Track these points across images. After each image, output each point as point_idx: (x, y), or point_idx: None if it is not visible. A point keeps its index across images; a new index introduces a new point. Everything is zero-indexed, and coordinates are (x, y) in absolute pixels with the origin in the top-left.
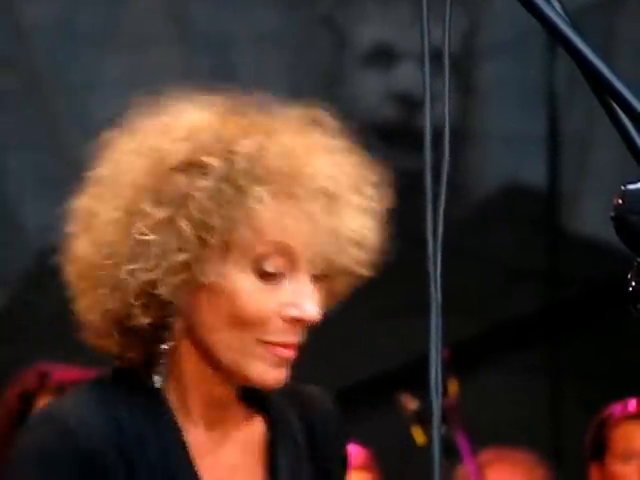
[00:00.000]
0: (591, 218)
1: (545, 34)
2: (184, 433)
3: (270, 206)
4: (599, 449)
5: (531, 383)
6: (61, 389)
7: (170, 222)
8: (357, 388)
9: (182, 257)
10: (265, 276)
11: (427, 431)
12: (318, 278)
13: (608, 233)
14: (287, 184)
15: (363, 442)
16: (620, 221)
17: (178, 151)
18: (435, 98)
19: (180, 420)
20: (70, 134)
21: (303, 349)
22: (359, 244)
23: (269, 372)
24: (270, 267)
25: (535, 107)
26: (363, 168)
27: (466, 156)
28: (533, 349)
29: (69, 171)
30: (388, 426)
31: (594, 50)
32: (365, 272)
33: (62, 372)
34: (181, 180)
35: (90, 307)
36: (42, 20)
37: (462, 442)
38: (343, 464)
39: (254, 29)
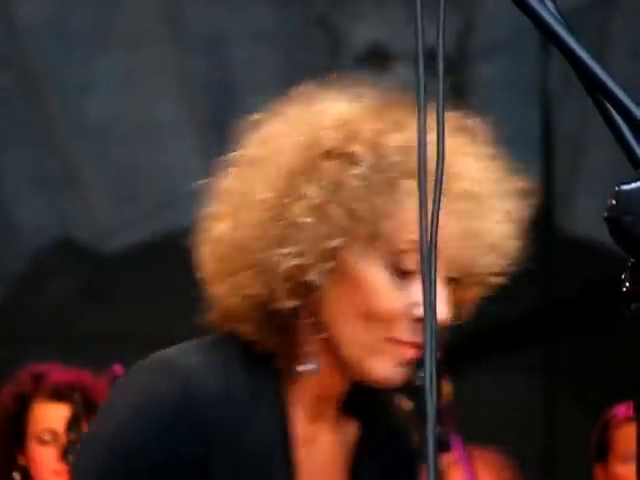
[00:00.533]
0: (585, 218)
1: (539, 34)
2: (289, 422)
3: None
4: (602, 450)
5: (525, 384)
6: (57, 391)
7: (323, 207)
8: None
9: (333, 244)
10: (400, 273)
11: (421, 432)
12: (451, 281)
13: (602, 233)
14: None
15: None
16: (614, 222)
17: (330, 138)
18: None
19: (288, 408)
20: (64, 133)
21: None
22: (498, 251)
23: (390, 370)
24: (408, 264)
25: (529, 107)
26: (507, 176)
27: None
28: (527, 349)
29: (64, 170)
30: None
31: (588, 50)
32: (499, 280)
33: (57, 374)
34: (334, 167)
35: (230, 291)
36: (36, 20)
37: (456, 443)
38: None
39: (248, 28)
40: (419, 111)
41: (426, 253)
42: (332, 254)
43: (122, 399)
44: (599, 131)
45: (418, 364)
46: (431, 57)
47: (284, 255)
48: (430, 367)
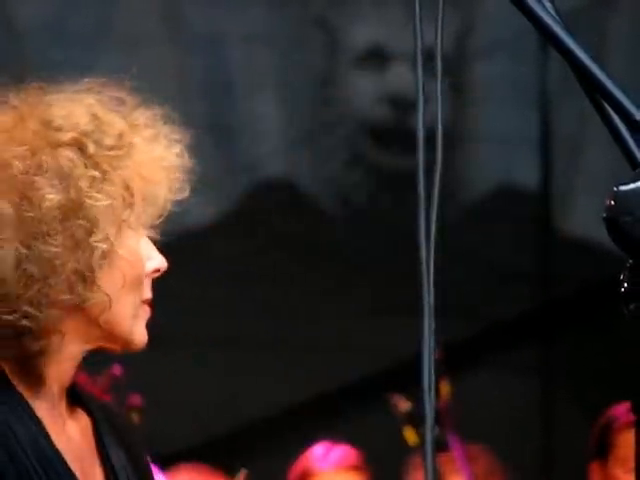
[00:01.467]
0: (583, 219)
1: (537, 35)
2: (41, 419)
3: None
4: (602, 451)
5: (523, 383)
6: None
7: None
8: (349, 389)
9: (110, 231)
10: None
11: (419, 432)
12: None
13: (600, 234)
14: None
15: (355, 443)
16: (612, 222)
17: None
18: (428, 99)
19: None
20: None
21: (296, 349)
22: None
23: (144, 331)
24: (135, 223)
25: (528, 108)
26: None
27: (459, 157)
28: (525, 349)
29: None
30: (380, 427)
31: (586, 50)
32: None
33: None
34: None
35: None
36: (35, 20)
37: (454, 443)
38: (144, 445)
39: (247, 29)
40: (418, 110)
41: (423, 253)
42: (121, 229)
43: None
44: (597, 132)
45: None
46: (430, 57)
47: (95, 241)
48: (428, 367)
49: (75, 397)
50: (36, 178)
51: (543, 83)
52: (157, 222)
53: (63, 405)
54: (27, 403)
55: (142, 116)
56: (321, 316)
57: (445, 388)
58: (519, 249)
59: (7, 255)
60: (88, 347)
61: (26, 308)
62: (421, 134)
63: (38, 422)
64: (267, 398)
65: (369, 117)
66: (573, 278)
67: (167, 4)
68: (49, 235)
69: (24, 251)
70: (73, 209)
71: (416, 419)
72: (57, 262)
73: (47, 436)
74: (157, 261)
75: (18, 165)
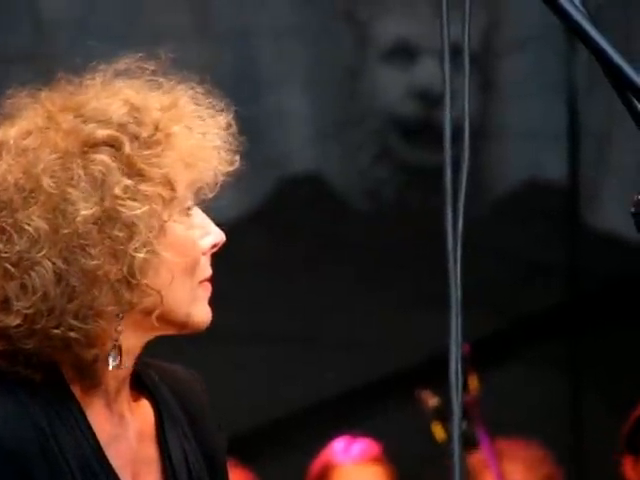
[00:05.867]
0: (611, 213)
1: (565, 30)
2: (92, 424)
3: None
4: (634, 445)
5: (551, 378)
6: None
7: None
8: (377, 384)
9: (164, 217)
10: (185, 213)
11: (447, 427)
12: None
13: (628, 229)
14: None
15: (383, 437)
16: None
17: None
18: (455, 94)
19: (86, 410)
20: None
21: (324, 344)
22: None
23: (208, 311)
24: (187, 202)
25: (555, 102)
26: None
27: (486, 152)
28: (553, 344)
29: None
30: (408, 422)
31: (613, 45)
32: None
33: None
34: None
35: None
36: (62, 14)
37: (482, 438)
38: (223, 442)
39: (274, 23)
40: (445, 105)
41: (451, 247)
42: (162, 227)
43: None
44: (625, 126)
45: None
46: (457, 52)
47: (136, 248)
48: (456, 362)
49: (141, 385)
50: (69, 190)
51: (571, 77)
52: (209, 196)
53: (123, 398)
54: (80, 408)
55: (183, 95)
56: (349, 311)
57: (473, 383)
58: (547, 243)
59: (47, 271)
60: (147, 338)
61: (72, 321)
62: (448, 129)
63: (88, 430)
64: (295, 393)
65: (397, 112)
66: (601, 272)
67: None
68: (87, 247)
69: (63, 266)
70: (108, 219)
71: (444, 414)
72: (98, 273)
73: (95, 446)
74: (213, 236)
75: (49, 181)
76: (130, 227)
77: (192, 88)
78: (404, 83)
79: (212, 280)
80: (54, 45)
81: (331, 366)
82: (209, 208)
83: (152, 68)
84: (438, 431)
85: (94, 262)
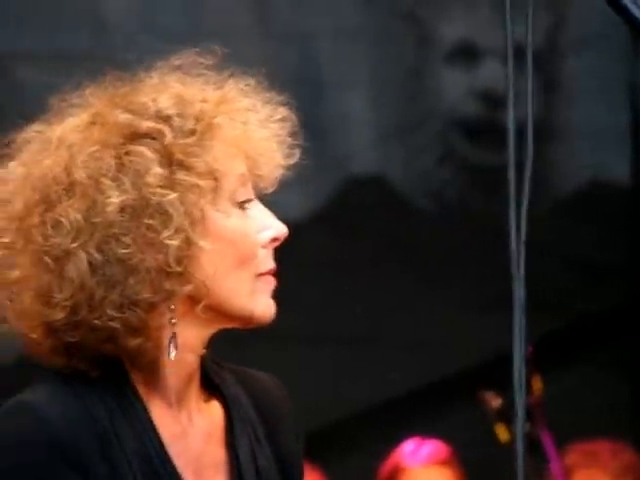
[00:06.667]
0: None
1: (628, 29)
2: (155, 421)
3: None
4: None
5: (615, 379)
6: None
7: (173, 179)
8: (441, 385)
9: (201, 205)
10: (239, 206)
11: (511, 428)
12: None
13: None
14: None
15: (446, 439)
16: None
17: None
18: (518, 95)
19: (149, 408)
20: None
21: (388, 345)
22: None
23: (269, 304)
24: (241, 196)
25: (619, 102)
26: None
27: (550, 152)
28: (617, 345)
29: None
30: (472, 423)
31: None
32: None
33: None
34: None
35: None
36: (124, 14)
37: (546, 439)
38: (299, 447)
39: (336, 23)
40: (508, 106)
41: (514, 247)
42: (202, 217)
43: None
44: None
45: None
46: (520, 52)
47: (169, 236)
48: (519, 363)
49: (213, 386)
50: (101, 180)
51: (635, 76)
52: (269, 190)
53: (190, 397)
54: (143, 405)
55: (233, 88)
56: (412, 312)
57: (537, 384)
58: (610, 244)
59: (82, 261)
60: (206, 333)
61: (110, 311)
62: (512, 129)
63: (151, 427)
64: (361, 394)
65: (460, 113)
66: None
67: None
68: (120, 236)
69: (98, 256)
70: (140, 207)
71: (508, 415)
72: (133, 262)
73: (157, 443)
74: (273, 230)
75: (82, 173)
76: (162, 214)
77: (245, 82)
78: (467, 84)
79: (277, 280)
80: (114, 44)
81: (395, 367)
82: (272, 206)
83: (207, 63)
84: (502, 432)
85: (128, 251)
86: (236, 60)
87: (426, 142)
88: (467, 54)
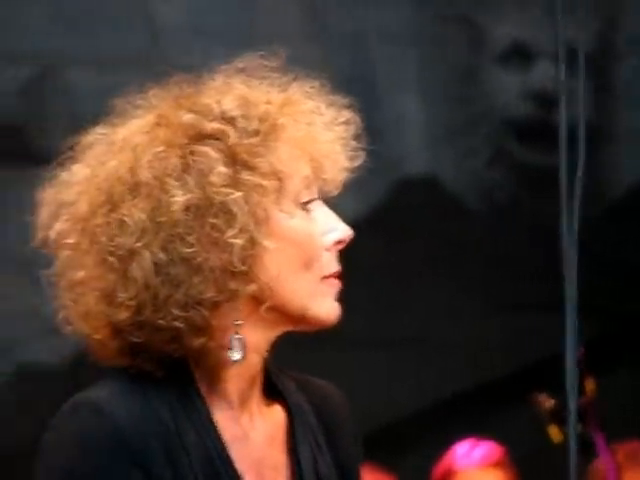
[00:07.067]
0: None
1: None
2: (217, 423)
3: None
4: None
5: None
6: None
7: (238, 179)
8: (493, 386)
9: (264, 205)
10: (302, 207)
11: (563, 430)
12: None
13: None
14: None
15: (499, 440)
16: None
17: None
18: (571, 96)
19: (212, 409)
20: None
21: (440, 346)
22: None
23: (334, 307)
24: (305, 196)
25: None
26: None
27: (602, 153)
28: None
29: None
30: (524, 425)
31: None
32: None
33: None
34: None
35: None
36: (175, 19)
37: (599, 441)
38: (359, 455)
39: (389, 26)
40: (561, 108)
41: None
42: (266, 217)
43: (57, 453)
44: None
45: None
46: (572, 54)
47: (233, 235)
48: (571, 365)
49: (275, 392)
50: (165, 180)
51: None
52: (334, 193)
53: (252, 400)
54: (206, 406)
55: (297, 90)
56: (464, 313)
57: (590, 386)
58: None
59: (147, 261)
60: (270, 335)
61: (175, 310)
62: (563, 132)
63: (213, 428)
64: (411, 396)
65: (512, 114)
66: None
67: (308, 2)
68: (184, 235)
69: (162, 255)
70: (204, 206)
71: (560, 417)
72: (197, 261)
73: (220, 445)
74: (338, 233)
75: (147, 173)
76: (226, 214)
77: (310, 85)
78: (519, 85)
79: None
80: (168, 48)
81: (447, 368)
82: (332, 207)
83: (271, 66)
84: (554, 433)
85: (192, 250)
86: (290, 63)
87: (478, 143)
88: (519, 55)
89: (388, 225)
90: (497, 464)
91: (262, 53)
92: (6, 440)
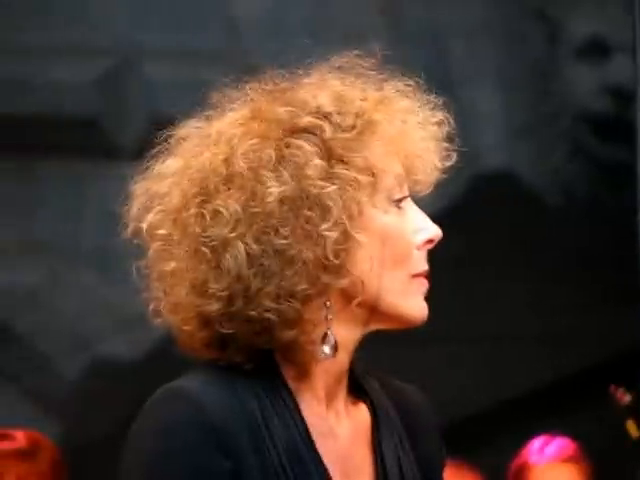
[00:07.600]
0: None
1: None
2: (305, 417)
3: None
4: None
5: None
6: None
7: (334, 173)
8: (571, 381)
9: (358, 198)
10: (395, 205)
11: None
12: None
13: None
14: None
15: (576, 436)
16: None
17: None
18: None
19: (299, 403)
20: None
21: (517, 341)
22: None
23: (423, 306)
24: (398, 194)
25: None
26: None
27: None
28: None
29: None
30: (602, 420)
31: None
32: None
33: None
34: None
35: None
36: (253, 13)
37: None
38: (443, 456)
39: (466, 22)
40: (638, 102)
41: None
42: (359, 211)
43: (146, 438)
44: None
45: None
46: None
47: (327, 228)
48: None
49: (360, 390)
50: (261, 172)
51: None
52: (424, 192)
53: (339, 396)
54: (294, 399)
55: (393, 88)
56: (542, 308)
57: None
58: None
59: (240, 252)
60: (359, 332)
61: (266, 302)
62: None
63: (300, 420)
64: (488, 391)
65: (589, 109)
66: None
67: None
68: (278, 227)
69: (256, 246)
70: (299, 198)
71: (638, 411)
72: (290, 254)
73: (306, 437)
74: (429, 232)
75: (243, 165)
76: (321, 207)
77: (404, 83)
78: (597, 80)
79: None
80: (245, 43)
81: (523, 363)
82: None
83: (366, 64)
84: (632, 428)
85: (286, 242)
86: (367, 57)
87: (555, 138)
88: (597, 50)
89: (466, 221)
90: (571, 459)
91: (357, 52)
92: (81, 434)
